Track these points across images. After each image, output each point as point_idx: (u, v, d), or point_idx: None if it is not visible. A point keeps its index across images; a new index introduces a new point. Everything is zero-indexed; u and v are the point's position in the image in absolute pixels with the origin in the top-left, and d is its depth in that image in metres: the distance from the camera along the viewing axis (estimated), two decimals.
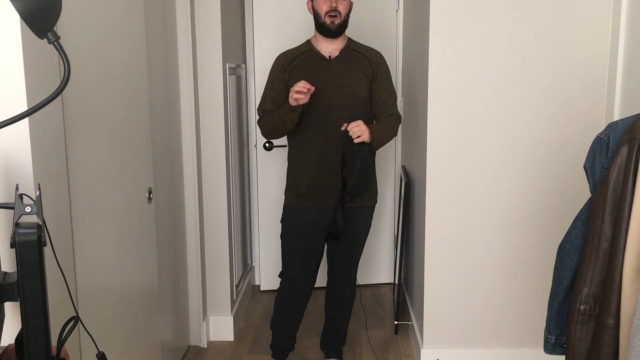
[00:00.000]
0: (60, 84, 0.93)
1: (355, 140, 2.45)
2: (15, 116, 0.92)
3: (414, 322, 3.11)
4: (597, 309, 1.55)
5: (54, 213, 1.52)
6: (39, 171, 1.43)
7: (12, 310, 1.29)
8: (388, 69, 2.68)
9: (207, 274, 3.14)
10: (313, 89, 2.40)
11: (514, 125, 2.61)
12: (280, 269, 2.80)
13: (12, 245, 0.88)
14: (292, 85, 2.43)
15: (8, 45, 1.34)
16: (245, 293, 3.66)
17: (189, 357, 3.02)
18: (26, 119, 1.36)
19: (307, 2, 2.63)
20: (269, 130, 2.64)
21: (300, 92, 2.37)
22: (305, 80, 2.50)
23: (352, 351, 3.10)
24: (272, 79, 2.65)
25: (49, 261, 1.22)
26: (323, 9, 2.53)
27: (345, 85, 2.57)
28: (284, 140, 3.58)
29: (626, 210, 1.45)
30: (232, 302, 3.25)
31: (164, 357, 2.57)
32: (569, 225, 1.72)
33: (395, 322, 3.30)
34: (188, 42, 2.83)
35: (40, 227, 0.90)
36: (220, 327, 3.20)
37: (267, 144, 3.76)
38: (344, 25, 2.57)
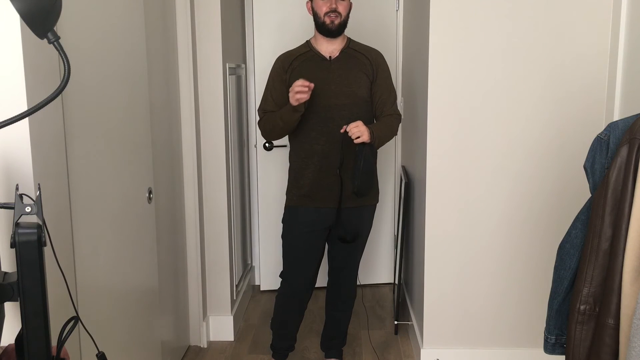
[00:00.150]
0: (60, 84, 0.93)
1: (356, 141, 2.44)
2: (15, 116, 0.92)
3: (414, 322, 3.11)
4: (597, 309, 1.55)
5: (54, 213, 1.52)
6: (39, 171, 1.43)
7: (12, 310, 1.29)
8: (388, 68, 2.68)
9: (207, 274, 3.14)
10: (312, 85, 2.40)
11: (514, 125, 2.61)
12: (281, 269, 2.80)
13: (12, 245, 0.89)
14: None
15: (8, 45, 1.34)
16: (245, 293, 3.66)
17: (189, 357, 3.02)
18: (26, 119, 1.36)
19: (307, 3, 2.62)
20: (270, 131, 2.63)
21: (300, 90, 2.37)
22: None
23: (352, 351, 3.10)
24: (273, 79, 2.65)
25: (49, 261, 1.22)
26: (322, 9, 2.53)
27: (346, 85, 2.57)
28: (284, 141, 3.59)
29: (626, 210, 1.45)
30: (232, 302, 3.25)
31: (164, 357, 2.57)
32: (569, 225, 1.72)
33: (395, 322, 3.29)
34: (188, 42, 2.83)
35: (40, 227, 0.90)
36: (220, 327, 3.20)
37: (267, 144, 3.76)
38: (343, 25, 2.57)
